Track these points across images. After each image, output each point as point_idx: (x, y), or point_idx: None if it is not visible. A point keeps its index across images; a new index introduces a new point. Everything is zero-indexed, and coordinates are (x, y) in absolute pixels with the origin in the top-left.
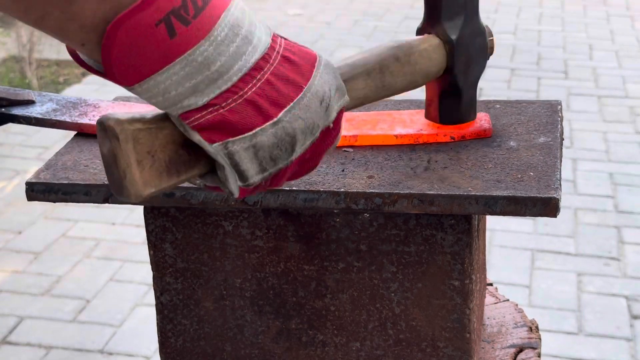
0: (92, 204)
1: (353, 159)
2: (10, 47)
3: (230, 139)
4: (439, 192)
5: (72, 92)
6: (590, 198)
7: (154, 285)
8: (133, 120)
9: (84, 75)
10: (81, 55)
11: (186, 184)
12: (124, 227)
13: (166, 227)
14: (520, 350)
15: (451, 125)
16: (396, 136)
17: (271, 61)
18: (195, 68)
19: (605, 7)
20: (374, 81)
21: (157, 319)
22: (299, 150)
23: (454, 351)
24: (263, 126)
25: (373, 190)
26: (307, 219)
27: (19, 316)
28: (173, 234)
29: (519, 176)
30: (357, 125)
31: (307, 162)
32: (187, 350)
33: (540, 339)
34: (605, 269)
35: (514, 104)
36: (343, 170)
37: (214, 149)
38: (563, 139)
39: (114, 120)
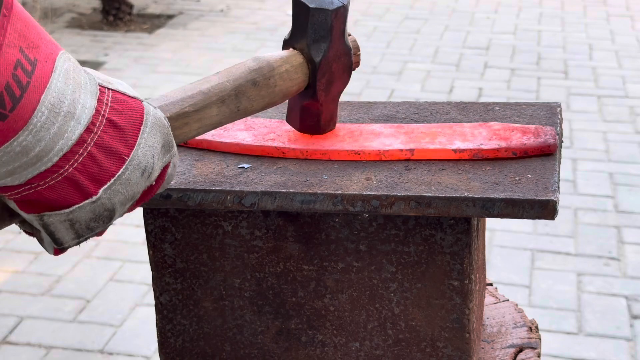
0: None
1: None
2: None
3: (47, 213)
4: (436, 195)
5: None
6: (590, 198)
7: (153, 286)
8: None
9: None
10: None
11: (182, 186)
12: (124, 227)
13: (165, 227)
14: (520, 350)
15: (514, 142)
16: (455, 151)
17: (95, 130)
18: (12, 157)
19: (605, 7)
20: (228, 107)
21: (156, 319)
22: (118, 217)
23: (454, 351)
24: (81, 204)
25: (370, 193)
26: (306, 219)
27: (19, 316)
28: (172, 234)
29: (517, 178)
30: (415, 138)
31: (128, 210)
32: (187, 350)
33: (540, 339)
34: (605, 269)
35: (514, 106)
36: (340, 172)
37: (28, 217)
38: (562, 141)
39: None
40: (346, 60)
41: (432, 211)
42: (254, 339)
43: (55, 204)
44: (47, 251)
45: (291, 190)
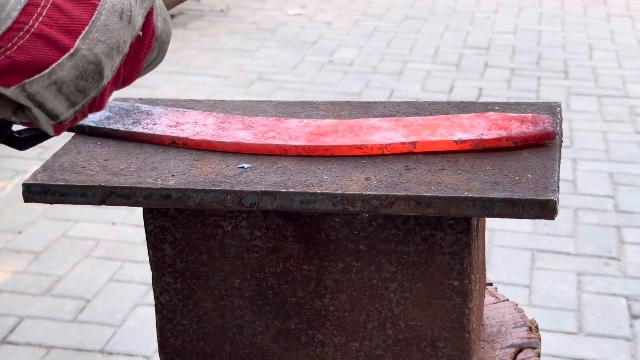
0: None
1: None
2: None
3: (27, 80)
4: (436, 194)
5: None
6: (590, 198)
7: (153, 286)
8: None
9: None
10: None
11: (182, 186)
12: (124, 227)
13: (165, 227)
14: (520, 350)
15: (514, 131)
16: (456, 142)
17: None
18: None
19: (605, 7)
20: None
21: (156, 319)
22: (109, 74)
23: (453, 351)
24: (59, 60)
25: (370, 192)
26: (306, 219)
27: (19, 316)
28: (172, 234)
29: (517, 178)
30: (415, 131)
31: (128, 76)
32: (187, 350)
33: (540, 338)
34: (605, 268)
35: (514, 106)
36: (340, 172)
37: (12, 92)
38: (562, 141)
39: None
40: None
41: (431, 211)
42: (253, 339)
43: (31, 66)
44: (48, 131)
45: (291, 190)
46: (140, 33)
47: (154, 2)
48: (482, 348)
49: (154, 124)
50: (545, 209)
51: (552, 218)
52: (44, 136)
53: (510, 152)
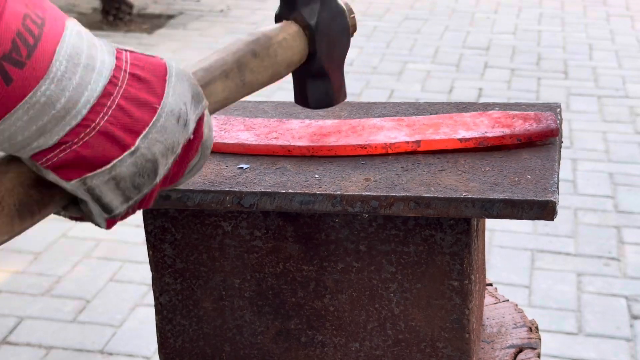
0: None
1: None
2: None
3: (88, 175)
4: (436, 195)
5: None
6: (590, 198)
7: (153, 286)
8: None
9: None
10: None
11: (183, 186)
12: (124, 227)
13: (165, 227)
14: (520, 350)
15: (518, 128)
16: (460, 140)
17: (119, 83)
18: (39, 110)
19: (605, 7)
20: (233, 81)
21: (156, 320)
22: (162, 172)
23: (453, 351)
24: (121, 157)
25: (369, 193)
26: (306, 220)
27: (19, 316)
28: (172, 235)
29: (517, 179)
30: (418, 130)
31: (174, 177)
32: (187, 350)
33: (540, 339)
34: (605, 269)
35: (514, 107)
36: (340, 173)
37: (71, 186)
38: (562, 142)
39: None
40: (342, 21)
41: (431, 212)
42: (253, 340)
43: (94, 161)
44: (100, 225)
45: (290, 190)
46: (192, 136)
47: (205, 108)
48: (482, 348)
49: None
50: (544, 210)
51: (552, 219)
52: None
53: (510, 153)
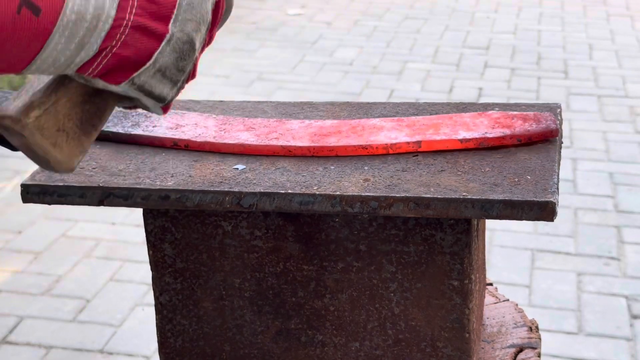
0: None
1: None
2: None
3: (135, 74)
4: (435, 196)
5: None
6: (590, 198)
7: (153, 286)
8: (28, 110)
9: None
10: None
11: (181, 187)
12: (124, 227)
13: (165, 227)
14: (520, 350)
15: (517, 129)
16: (461, 140)
17: None
18: (73, 28)
19: (605, 7)
20: None
21: (156, 319)
22: (199, 46)
23: (454, 351)
24: (159, 48)
25: (369, 194)
26: (306, 219)
27: (19, 316)
28: (172, 234)
29: (516, 180)
30: (419, 130)
31: (209, 41)
32: (187, 350)
33: (540, 338)
34: (605, 268)
35: (513, 107)
36: (339, 173)
37: (121, 88)
38: (562, 143)
39: (10, 118)
40: None
41: (430, 212)
42: (253, 339)
43: (135, 59)
44: (157, 113)
45: (290, 191)
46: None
47: None
48: (482, 348)
49: (153, 127)
50: (544, 211)
51: (552, 220)
52: None
53: (509, 153)
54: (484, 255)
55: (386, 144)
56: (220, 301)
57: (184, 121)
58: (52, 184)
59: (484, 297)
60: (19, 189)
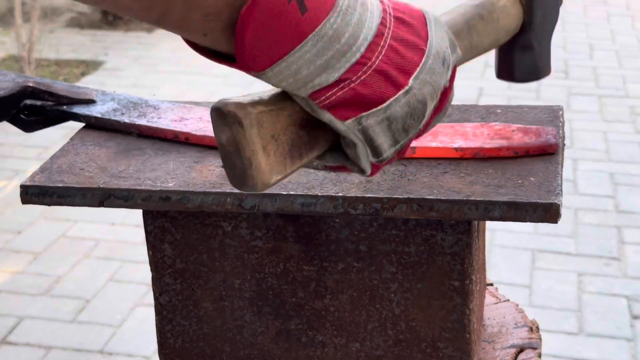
0: None
1: None
2: (10, 46)
3: (364, 114)
4: (438, 197)
5: None
6: (591, 198)
7: (152, 286)
8: (255, 103)
9: (83, 75)
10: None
11: (182, 188)
12: (124, 227)
13: (165, 227)
14: (521, 350)
15: (516, 141)
16: (456, 149)
17: (388, 25)
18: (326, 43)
19: (605, 7)
20: (463, 42)
21: (156, 320)
22: (427, 116)
23: (454, 351)
24: (396, 96)
25: (371, 195)
26: (306, 220)
27: (19, 316)
28: (172, 235)
29: (520, 181)
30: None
31: (424, 128)
32: (186, 350)
33: (540, 339)
34: (606, 269)
35: (515, 109)
36: (341, 174)
37: (346, 126)
38: (564, 145)
39: (234, 104)
40: None
41: (434, 214)
42: (253, 340)
43: (370, 99)
44: (364, 170)
45: (291, 192)
46: (448, 84)
47: (459, 57)
48: (483, 348)
49: (158, 118)
50: (548, 213)
51: (556, 222)
52: (51, 121)
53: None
54: (485, 256)
55: None
56: (220, 302)
57: (190, 114)
58: (52, 185)
59: (485, 297)
60: (18, 189)
